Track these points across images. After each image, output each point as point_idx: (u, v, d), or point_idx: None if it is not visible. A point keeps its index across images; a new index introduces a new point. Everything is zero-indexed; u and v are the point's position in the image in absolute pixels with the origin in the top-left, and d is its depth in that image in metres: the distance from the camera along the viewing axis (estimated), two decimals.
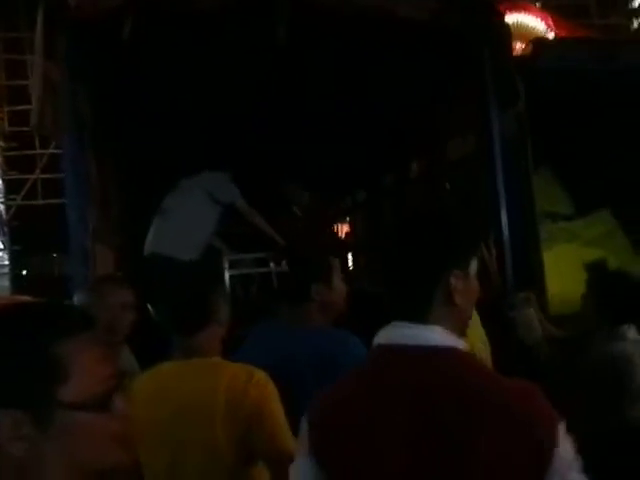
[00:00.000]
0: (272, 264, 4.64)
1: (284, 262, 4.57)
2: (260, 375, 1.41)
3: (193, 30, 2.43)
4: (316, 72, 3.01)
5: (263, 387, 1.40)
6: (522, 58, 3.37)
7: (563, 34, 11.45)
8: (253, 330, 1.85)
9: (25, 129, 9.48)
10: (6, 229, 9.36)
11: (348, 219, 7.40)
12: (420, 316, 0.96)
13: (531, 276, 3.09)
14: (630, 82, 3.55)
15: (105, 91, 2.44)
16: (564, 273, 4.17)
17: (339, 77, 3.11)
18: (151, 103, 3.12)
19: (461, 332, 1.01)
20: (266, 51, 2.51)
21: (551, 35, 11.33)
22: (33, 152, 9.44)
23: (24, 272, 9.75)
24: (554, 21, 11.52)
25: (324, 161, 4.59)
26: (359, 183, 5.88)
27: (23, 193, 9.27)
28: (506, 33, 2.82)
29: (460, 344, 0.97)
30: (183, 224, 3.45)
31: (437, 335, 0.95)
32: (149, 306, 3.76)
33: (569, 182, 4.97)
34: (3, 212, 9.35)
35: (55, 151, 9.14)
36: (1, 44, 8.99)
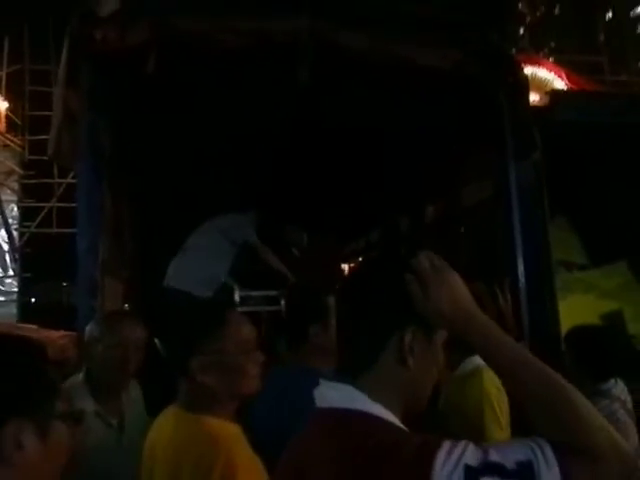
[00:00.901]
0: (282, 302, 4.59)
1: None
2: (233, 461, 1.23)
3: (216, 68, 2.46)
4: (335, 114, 3.04)
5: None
6: (539, 109, 3.41)
7: (576, 88, 11.64)
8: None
9: (44, 158, 9.70)
10: (17, 256, 9.42)
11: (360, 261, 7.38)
12: (352, 376, 0.90)
13: (547, 325, 3.01)
14: None
15: (124, 124, 2.47)
16: (579, 324, 4.09)
17: (358, 120, 3.13)
18: (169, 139, 3.17)
19: (412, 401, 0.91)
20: (287, 92, 2.53)
21: (565, 88, 11.52)
22: (51, 181, 9.62)
23: (32, 300, 9.76)
24: (567, 76, 11.75)
25: (339, 202, 4.60)
26: (374, 225, 5.87)
27: (38, 221, 9.39)
28: (524, 84, 2.84)
29: (374, 408, 0.86)
30: (200, 262, 3.63)
31: (348, 397, 0.88)
32: (157, 342, 3.75)
33: (584, 232, 4.93)
34: (17, 239, 9.44)
35: (72, 181, 9.32)
36: (28, 75, 9.30)
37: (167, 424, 1.39)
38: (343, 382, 0.91)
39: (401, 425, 0.87)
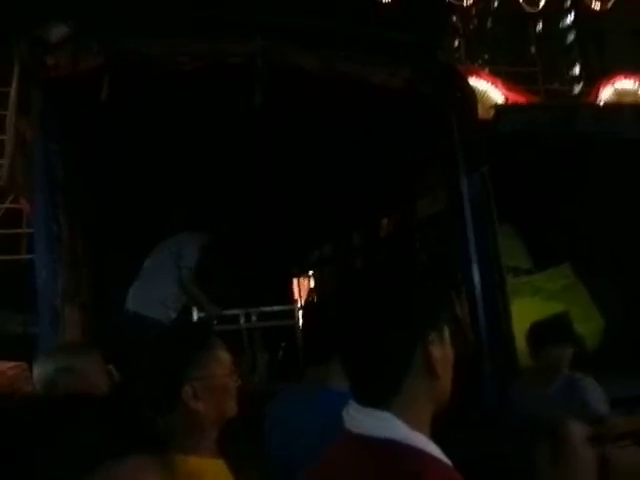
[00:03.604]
0: (242, 321, 4.58)
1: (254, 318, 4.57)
2: None
3: (172, 92, 2.45)
4: (290, 132, 3.08)
5: None
6: (484, 122, 3.56)
7: (512, 98, 12.15)
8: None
9: None
10: None
11: (312, 274, 7.42)
12: (380, 399, 0.86)
13: (500, 329, 3.14)
14: (583, 144, 3.78)
15: (79, 151, 2.41)
16: (528, 327, 4.27)
17: (313, 138, 3.18)
18: (125, 163, 3.12)
19: (443, 404, 0.90)
20: (243, 114, 2.55)
21: (501, 98, 12.00)
22: None
23: None
24: (503, 86, 12.26)
25: (294, 216, 4.63)
26: (328, 238, 5.92)
27: None
28: (472, 100, 2.97)
29: (418, 440, 0.84)
30: (155, 284, 3.57)
31: (387, 426, 0.84)
32: (116, 375, 3.66)
33: (528, 238, 5.17)
34: None
35: (12, 206, 8.92)
36: None
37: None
38: (374, 407, 0.86)
39: (441, 454, 0.85)
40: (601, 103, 10.36)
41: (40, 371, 1.74)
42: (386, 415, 0.85)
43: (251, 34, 2.46)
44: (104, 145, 2.84)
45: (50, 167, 2.22)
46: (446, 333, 0.90)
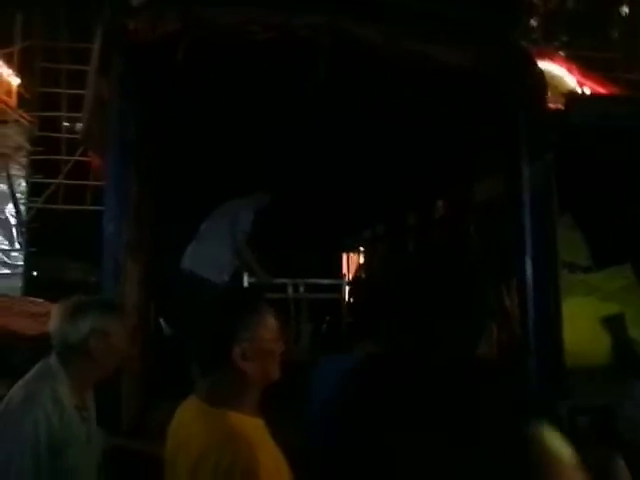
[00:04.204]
0: (289, 291, 4.69)
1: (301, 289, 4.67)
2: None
3: (242, 60, 2.52)
4: (353, 108, 3.09)
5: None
6: (555, 111, 3.45)
7: (588, 85, 11.59)
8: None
9: (53, 134, 9.74)
10: (24, 230, 9.51)
11: (363, 250, 7.45)
12: None
13: (549, 326, 3.08)
14: None
15: (151, 113, 2.53)
16: (579, 326, 4.15)
17: (375, 114, 3.18)
18: (192, 127, 3.25)
19: None
20: (308, 85, 2.59)
21: (575, 84, 11.48)
22: (59, 158, 9.66)
23: (35, 274, 9.85)
24: (579, 72, 11.69)
25: (350, 193, 4.66)
26: (381, 216, 5.93)
27: (45, 197, 9.45)
28: (542, 85, 2.88)
29: None
30: (211, 249, 3.72)
31: None
32: (166, 328, 3.87)
33: (590, 234, 4.98)
34: (24, 213, 9.52)
35: (80, 158, 9.35)
36: (39, 52, 9.29)
37: (189, 418, 1.38)
38: None
39: None
40: None
41: (73, 327, 1.77)
42: None
43: (319, 8, 2.49)
44: (175, 109, 2.96)
45: (123, 126, 2.34)
46: None
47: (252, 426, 1.31)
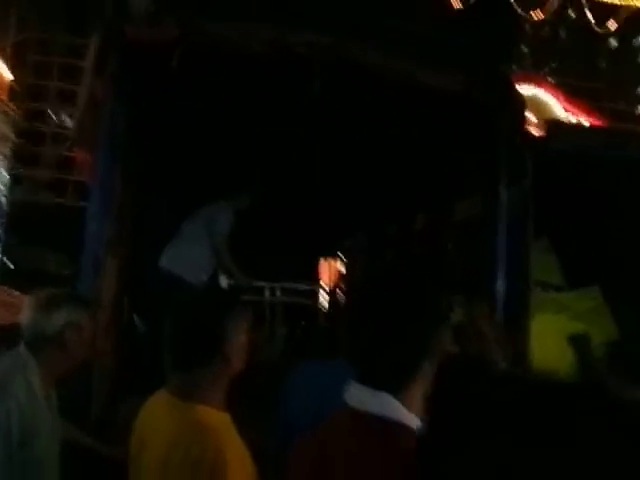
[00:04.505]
0: (266, 294, 4.74)
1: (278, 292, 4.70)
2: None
3: (237, 71, 2.59)
4: (343, 121, 3.18)
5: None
6: (537, 137, 3.59)
7: (574, 112, 11.86)
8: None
9: (40, 127, 9.67)
10: (3, 221, 9.39)
11: (341, 258, 7.51)
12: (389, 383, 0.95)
13: (517, 343, 3.18)
14: (632, 171, 3.75)
15: (143, 115, 2.58)
16: (547, 343, 4.28)
17: (363, 129, 3.28)
18: (183, 132, 3.31)
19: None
20: (301, 99, 2.67)
21: (561, 111, 11.74)
22: (43, 150, 9.58)
23: (12, 266, 9.71)
24: (566, 99, 11.96)
25: (333, 202, 4.73)
26: (360, 226, 6.01)
27: (26, 188, 9.36)
28: (522, 112, 3.01)
29: (414, 422, 0.93)
30: (189, 249, 3.74)
31: (389, 408, 0.93)
32: (139, 324, 3.89)
33: (563, 256, 5.14)
34: (4, 204, 9.41)
35: (65, 153, 9.29)
36: (33, 45, 9.24)
37: (158, 412, 1.40)
38: (375, 388, 0.94)
39: None
40: None
41: (47, 319, 1.78)
42: (387, 396, 0.94)
43: (317, 26, 2.57)
44: (167, 112, 3.02)
45: (115, 127, 2.39)
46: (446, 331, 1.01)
47: (220, 420, 1.35)
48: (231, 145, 3.57)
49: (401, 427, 0.92)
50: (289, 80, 2.58)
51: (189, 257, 3.79)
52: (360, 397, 0.96)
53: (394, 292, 0.99)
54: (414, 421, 0.94)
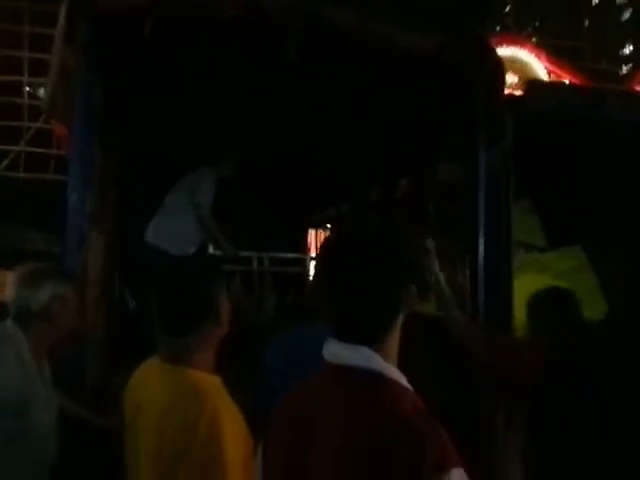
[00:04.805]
0: (255, 263, 4.76)
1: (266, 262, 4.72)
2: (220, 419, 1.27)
3: (211, 36, 2.54)
4: (320, 87, 3.16)
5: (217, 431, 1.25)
6: (515, 98, 3.58)
7: (556, 72, 11.84)
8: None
9: (16, 100, 9.42)
10: None
11: (329, 227, 7.55)
12: (364, 337, 0.98)
13: (500, 301, 3.25)
14: (608, 130, 3.78)
15: (118, 84, 2.54)
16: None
17: (341, 94, 3.26)
18: (160, 101, 3.26)
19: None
20: (277, 63, 2.64)
21: (542, 71, 11.71)
22: (20, 124, 9.36)
23: None
24: (548, 59, 11.93)
25: (314, 170, 4.73)
26: (346, 194, 6.02)
27: (5, 164, 9.18)
28: (500, 73, 2.99)
29: (391, 372, 0.97)
30: (174, 221, 3.70)
31: (366, 359, 0.96)
32: (130, 299, 3.90)
33: (546, 217, 5.21)
34: None
35: (43, 126, 9.09)
36: (1, 14, 8.93)
37: (150, 378, 1.43)
38: (354, 343, 0.98)
39: (407, 383, 0.99)
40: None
41: (33, 293, 1.82)
42: (366, 350, 0.98)
43: None
44: (142, 81, 2.97)
45: (89, 96, 2.35)
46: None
47: (213, 383, 1.39)
48: (210, 111, 3.53)
49: (380, 376, 0.97)
50: (265, 44, 2.55)
51: (174, 230, 3.77)
52: (340, 353, 1.00)
53: (366, 250, 1.01)
54: (393, 371, 0.99)
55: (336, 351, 1.01)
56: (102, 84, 2.36)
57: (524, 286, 4.21)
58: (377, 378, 0.96)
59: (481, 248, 3.07)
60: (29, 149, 9.23)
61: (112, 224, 2.91)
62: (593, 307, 4.94)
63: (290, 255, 5.09)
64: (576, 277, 4.98)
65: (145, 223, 3.88)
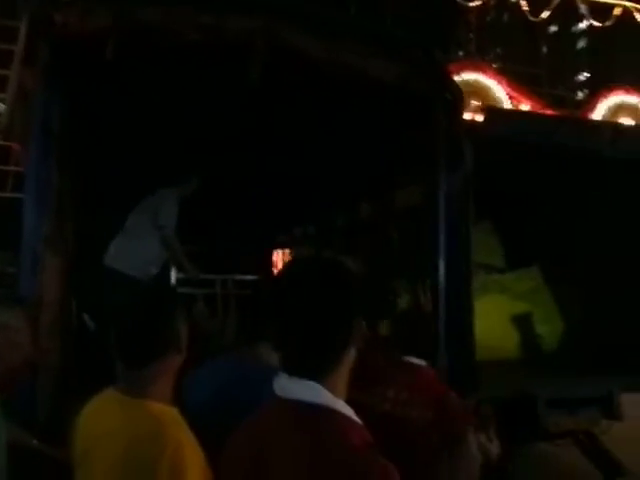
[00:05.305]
0: (218, 285, 4.72)
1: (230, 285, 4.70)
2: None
3: (172, 60, 2.54)
4: (282, 110, 3.18)
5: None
6: (475, 124, 3.70)
7: (516, 98, 12.24)
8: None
9: None
10: None
11: (292, 250, 7.56)
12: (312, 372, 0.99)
13: (461, 322, 3.29)
14: (562, 156, 3.95)
15: (78, 105, 2.50)
16: (492, 322, 4.48)
17: (304, 119, 3.29)
18: (121, 122, 3.22)
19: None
20: (238, 89, 2.65)
21: (504, 96, 12.08)
22: None
23: None
24: (509, 85, 12.33)
25: (279, 193, 4.74)
26: (311, 217, 6.06)
27: None
28: (460, 102, 3.09)
29: (338, 405, 0.99)
30: (136, 244, 3.63)
31: (314, 393, 0.98)
32: (89, 323, 3.79)
33: (505, 238, 5.37)
34: None
35: (1, 143, 8.86)
36: None
37: (107, 410, 1.39)
38: (302, 377, 1.00)
39: (356, 417, 1.00)
40: (594, 116, 10.49)
41: None
42: (313, 384, 0.99)
43: (253, 12, 2.55)
44: (102, 103, 2.94)
45: (48, 117, 2.31)
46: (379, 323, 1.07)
47: (173, 415, 1.37)
48: (171, 133, 3.51)
49: (329, 410, 0.98)
50: (226, 67, 2.56)
51: (136, 252, 3.69)
52: (289, 387, 1.01)
53: (311, 285, 1.03)
54: (341, 405, 1.00)
55: (285, 385, 1.02)
56: (61, 105, 2.33)
57: (486, 306, 4.31)
58: (325, 412, 0.97)
59: (442, 270, 3.13)
60: None
61: (69, 246, 2.85)
62: (551, 326, 5.11)
63: (254, 277, 5.06)
64: (534, 297, 5.14)
65: (104, 245, 3.79)
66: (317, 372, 1.00)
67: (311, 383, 0.99)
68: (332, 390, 0.99)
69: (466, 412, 1.93)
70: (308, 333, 1.00)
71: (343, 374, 1.03)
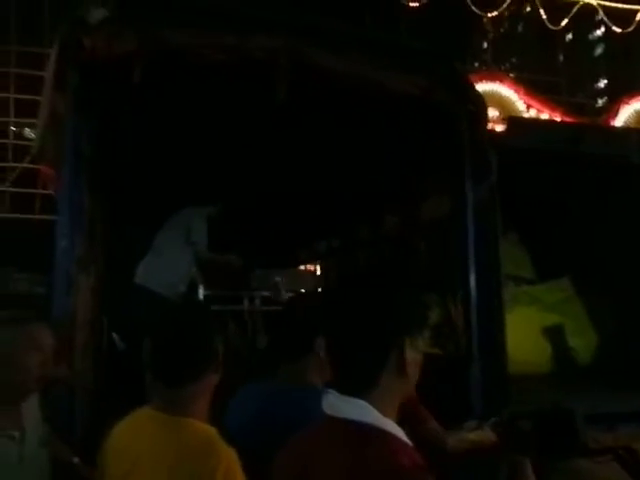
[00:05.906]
0: (246, 302, 4.72)
1: (257, 301, 4.69)
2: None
3: (198, 81, 2.58)
4: (307, 130, 3.20)
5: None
6: (499, 134, 3.67)
7: (534, 106, 12.16)
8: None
9: (1, 140, 9.45)
10: None
11: (319, 263, 7.56)
12: (357, 392, 0.99)
13: (493, 335, 3.23)
14: (588, 164, 3.88)
15: (108, 129, 2.55)
16: (523, 335, 4.38)
17: (328, 133, 3.30)
18: (148, 143, 3.28)
19: (400, 401, 1.03)
20: (265, 107, 2.67)
21: (523, 106, 12.02)
22: (5, 164, 9.36)
23: None
24: (526, 94, 12.28)
25: (305, 207, 4.75)
26: (336, 231, 6.05)
27: None
28: (484, 112, 3.07)
29: (388, 425, 0.97)
30: (165, 261, 3.66)
31: (363, 412, 0.97)
32: (119, 343, 3.82)
33: (533, 249, 5.27)
34: None
35: (28, 166, 9.08)
36: None
37: (144, 429, 1.37)
38: (352, 396, 0.99)
39: (406, 438, 0.99)
40: (617, 122, 10.36)
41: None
42: (363, 403, 0.98)
43: (275, 31, 2.59)
44: (131, 125, 3.00)
45: (78, 140, 2.35)
46: (419, 340, 1.04)
47: (216, 433, 1.35)
48: (198, 154, 3.56)
49: (378, 430, 0.96)
50: (251, 86, 2.59)
51: (165, 270, 3.73)
52: (338, 405, 1.00)
53: (360, 304, 1.03)
54: (391, 425, 0.98)
55: (334, 403, 1.01)
56: (91, 128, 2.37)
57: (516, 318, 4.22)
58: (374, 432, 0.96)
59: (472, 283, 3.08)
60: (14, 189, 9.21)
61: (100, 267, 2.88)
62: (584, 339, 4.98)
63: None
64: (565, 308, 5.02)
65: (132, 264, 3.84)
66: (367, 392, 0.99)
67: (361, 402, 0.98)
68: (382, 410, 0.98)
69: None
70: (355, 351, 1.00)
71: (395, 393, 1.02)
